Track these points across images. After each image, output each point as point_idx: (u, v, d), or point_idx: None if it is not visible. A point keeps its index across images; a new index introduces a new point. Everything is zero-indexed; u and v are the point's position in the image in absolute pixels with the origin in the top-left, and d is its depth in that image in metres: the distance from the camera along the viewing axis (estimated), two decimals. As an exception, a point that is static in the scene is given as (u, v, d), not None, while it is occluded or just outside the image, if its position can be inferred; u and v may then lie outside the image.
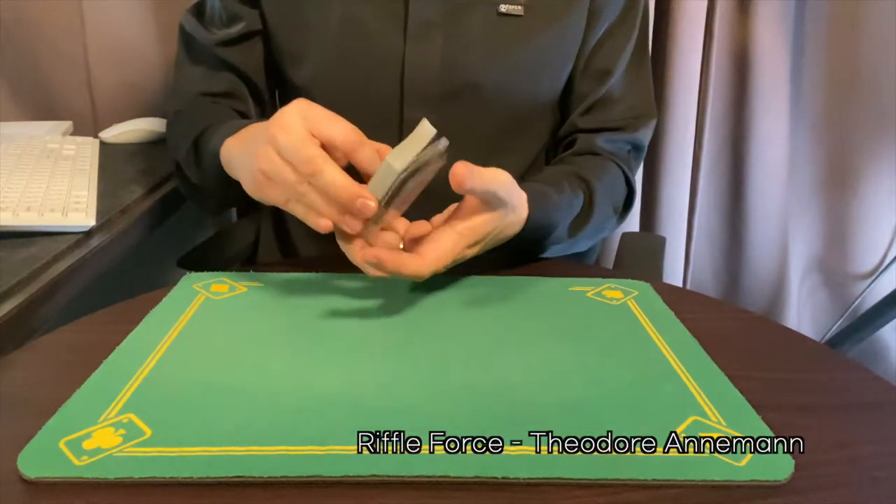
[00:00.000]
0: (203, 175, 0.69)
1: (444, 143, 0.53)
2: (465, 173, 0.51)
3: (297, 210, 0.53)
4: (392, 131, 0.75)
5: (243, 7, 0.75)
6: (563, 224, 0.68)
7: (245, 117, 0.77)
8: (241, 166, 0.58)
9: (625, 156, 0.79)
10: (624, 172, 0.78)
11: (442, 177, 0.53)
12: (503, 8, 0.71)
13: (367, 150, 0.53)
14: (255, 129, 0.59)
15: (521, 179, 0.80)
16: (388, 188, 0.51)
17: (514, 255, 0.67)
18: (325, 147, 0.52)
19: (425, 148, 0.52)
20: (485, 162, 0.76)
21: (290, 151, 0.51)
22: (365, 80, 0.73)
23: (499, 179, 0.55)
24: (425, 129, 0.52)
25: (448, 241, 0.55)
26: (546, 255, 0.71)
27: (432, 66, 0.72)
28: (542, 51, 0.74)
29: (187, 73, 0.78)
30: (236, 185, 0.59)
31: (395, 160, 0.51)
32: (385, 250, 0.53)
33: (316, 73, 0.74)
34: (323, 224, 0.52)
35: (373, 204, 0.50)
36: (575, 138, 0.78)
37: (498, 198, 0.56)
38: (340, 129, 0.53)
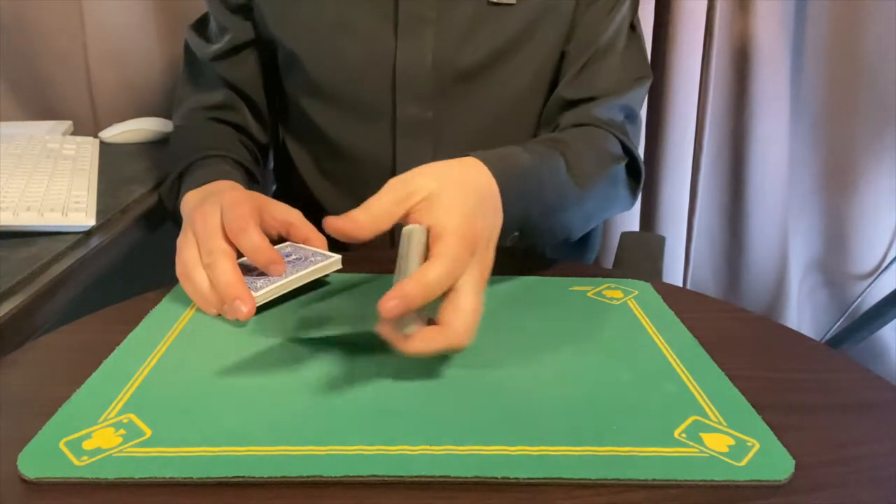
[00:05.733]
0: (177, 216, 0.68)
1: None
2: (342, 228, 0.45)
3: (187, 288, 0.55)
4: (386, 129, 0.75)
5: (234, 18, 0.76)
6: (555, 176, 0.61)
7: (241, 129, 0.79)
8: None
9: (619, 124, 0.73)
10: (619, 139, 0.71)
11: None
12: None
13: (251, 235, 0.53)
14: (202, 194, 0.62)
15: None
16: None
17: (534, 233, 0.61)
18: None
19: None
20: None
21: (201, 237, 0.54)
22: (358, 78, 0.73)
23: (401, 195, 0.47)
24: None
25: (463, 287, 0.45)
26: (574, 224, 0.65)
27: (424, 62, 0.72)
28: (536, 37, 0.73)
29: (187, 88, 0.81)
30: None
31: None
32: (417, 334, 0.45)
33: (310, 74, 0.74)
34: (210, 311, 0.55)
35: (245, 310, 0.50)
36: (562, 117, 0.73)
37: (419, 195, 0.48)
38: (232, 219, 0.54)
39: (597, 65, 0.74)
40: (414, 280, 0.43)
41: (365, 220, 0.46)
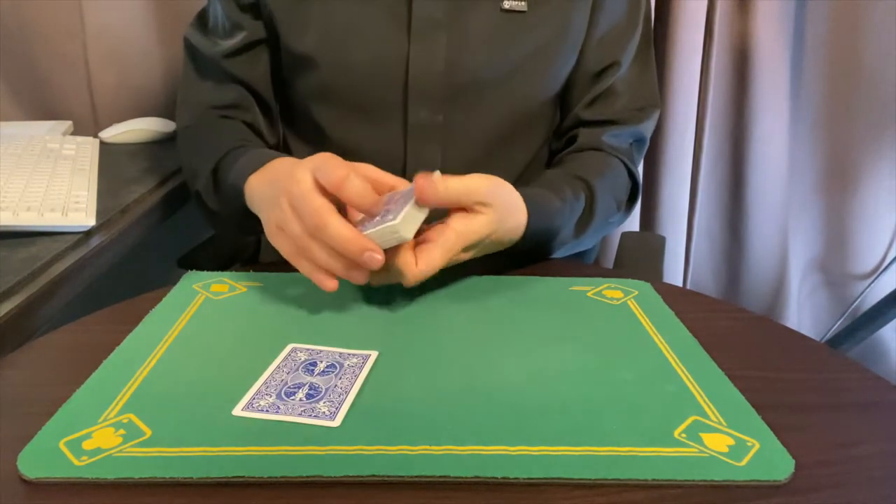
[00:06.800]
0: (223, 205, 0.69)
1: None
2: (424, 186, 0.52)
3: (303, 266, 0.54)
4: (396, 131, 0.75)
5: (245, 17, 0.76)
6: (567, 228, 0.68)
7: (253, 129, 0.77)
8: (262, 210, 0.59)
9: (627, 149, 0.79)
10: (627, 167, 0.77)
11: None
12: (506, 4, 0.71)
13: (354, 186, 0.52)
14: (276, 172, 0.59)
15: (523, 173, 0.80)
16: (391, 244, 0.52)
17: (519, 256, 0.67)
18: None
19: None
20: (487, 158, 0.77)
21: (298, 203, 0.52)
22: (369, 81, 0.73)
23: (473, 190, 0.55)
24: None
25: (443, 242, 0.55)
26: (552, 255, 0.71)
27: (436, 66, 0.72)
28: (546, 46, 0.74)
29: (194, 87, 0.79)
30: (257, 218, 0.60)
31: (404, 228, 0.51)
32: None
33: (320, 77, 0.74)
34: (330, 285, 0.53)
35: (379, 257, 0.50)
36: (577, 133, 0.78)
37: (481, 204, 0.56)
38: (331, 174, 0.52)
39: (614, 93, 0.78)
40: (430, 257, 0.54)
41: (442, 191, 0.53)
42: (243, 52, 0.77)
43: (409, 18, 0.71)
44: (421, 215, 0.53)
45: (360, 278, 0.52)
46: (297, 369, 0.47)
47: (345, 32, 0.72)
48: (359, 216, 0.57)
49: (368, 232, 0.52)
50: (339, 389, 0.45)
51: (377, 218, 0.54)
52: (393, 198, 0.56)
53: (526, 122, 0.78)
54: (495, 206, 0.57)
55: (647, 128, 0.80)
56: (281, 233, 0.54)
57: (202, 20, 0.80)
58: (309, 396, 0.44)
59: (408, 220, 0.52)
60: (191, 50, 0.79)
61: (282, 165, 0.60)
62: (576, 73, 0.78)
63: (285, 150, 0.86)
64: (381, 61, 0.72)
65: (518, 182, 0.82)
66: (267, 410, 0.42)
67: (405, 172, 0.76)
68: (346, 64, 0.73)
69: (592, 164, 0.74)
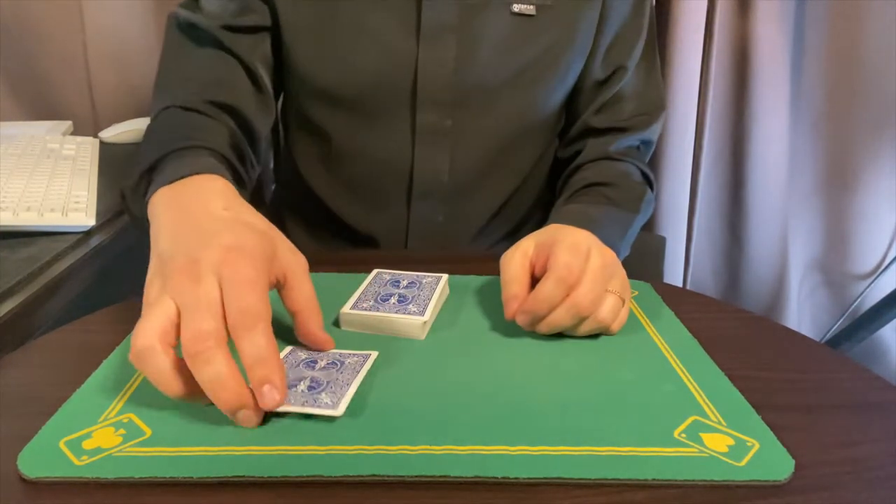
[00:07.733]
0: (141, 219, 0.54)
1: None
2: (515, 307, 0.52)
3: (145, 365, 0.39)
4: (404, 135, 0.74)
5: (255, 1, 0.72)
6: (614, 207, 0.69)
7: (234, 113, 0.68)
8: (159, 240, 0.46)
9: (635, 151, 0.80)
10: (637, 166, 0.77)
11: None
12: (516, 8, 0.71)
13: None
14: (181, 193, 0.49)
15: (529, 174, 0.81)
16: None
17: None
18: None
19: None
20: (494, 161, 0.77)
21: (235, 288, 0.40)
22: (377, 84, 0.73)
23: (523, 248, 0.55)
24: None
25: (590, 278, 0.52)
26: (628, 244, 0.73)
27: (445, 69, 0.72)
28: (555, 50, 0.74)
29: (175, 63, 0.72)
30: None
31: (423, 330, 0.53)
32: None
33: (326, 79, 0.74)
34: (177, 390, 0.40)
35: (279, 398, 0.40)
36: (584, 144, 0.78)
37: (538, 245, 0.56)
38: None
39: (622, 99, 0.78)
40: (531, 298, 0.51)
41: (525, 295, 0.52)
42: (246, 33, 0.71)
43: (418, 22, 0.70)
44: (432, 318, 0.55)
45: (248, 419, 0.40)
46: (298, 365, 0.47)
47: (352, 35, 0.71)
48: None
49: (385, 314, 0.53)
50: (341, 382, 0.45)
51: (381, 300, 0.55)
52: (398, 280, 0.58)
53: (533, 125, 0.78)
54: (542, 232, 0.57)
55: (655, 131, 0.81)
56: (182, 315, 0.40)
57: (193, 2, 0.73)
58: (311, 388, 0.44)
59: (430, 321, 0.54)
60: (179, 25, 0.72)
61: (188, 188, 0.50)
62: (583, 79, 0.78)
63: (286, 153, 0.86)
64: (389, 65, 0.72)
65: (522, 181, 0.82)
66: None
67: (412, 176, 0.76)
68: (354, 66, 0.72)
69: (605, 174, 0.74)
